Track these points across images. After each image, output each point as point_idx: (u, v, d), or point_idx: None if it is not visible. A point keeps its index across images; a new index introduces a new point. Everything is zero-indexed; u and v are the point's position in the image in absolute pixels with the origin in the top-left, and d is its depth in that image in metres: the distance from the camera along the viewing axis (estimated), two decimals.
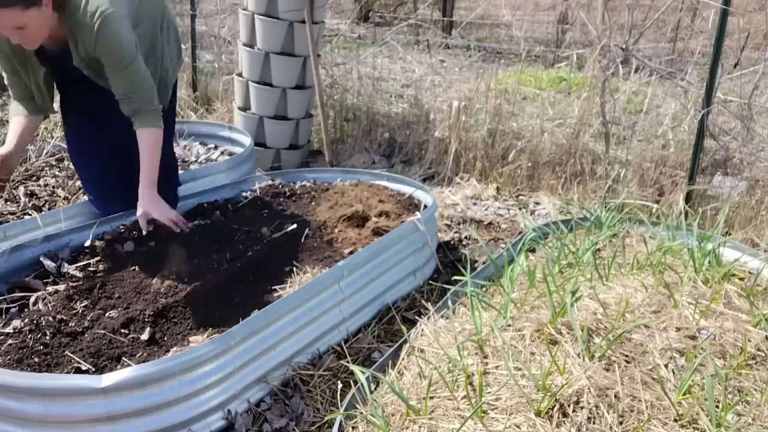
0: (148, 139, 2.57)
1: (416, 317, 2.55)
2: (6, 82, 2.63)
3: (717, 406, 1.82)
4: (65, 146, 4.05)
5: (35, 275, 2.54)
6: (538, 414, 1.80)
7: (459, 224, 3.68)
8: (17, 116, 2.65)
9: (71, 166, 3.91)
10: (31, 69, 2.58)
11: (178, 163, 3.95)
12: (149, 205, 2.58)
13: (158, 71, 2.78)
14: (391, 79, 6.09)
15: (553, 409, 1.81)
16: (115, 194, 2.87)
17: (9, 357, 2.10)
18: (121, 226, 2.84)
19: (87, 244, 2.72)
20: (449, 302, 2.50)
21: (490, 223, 3.72)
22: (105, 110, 2.69)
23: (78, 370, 2.07)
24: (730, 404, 1.83)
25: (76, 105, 2.78)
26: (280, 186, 3.40)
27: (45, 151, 4.09)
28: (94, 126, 2.78)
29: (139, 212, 2.59)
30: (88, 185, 2.98)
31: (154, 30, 2.74)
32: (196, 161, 4.20)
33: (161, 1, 2.81)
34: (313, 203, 3.25)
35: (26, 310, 2.40)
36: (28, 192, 3.69)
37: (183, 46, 5.47)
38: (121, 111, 2.59)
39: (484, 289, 2.65)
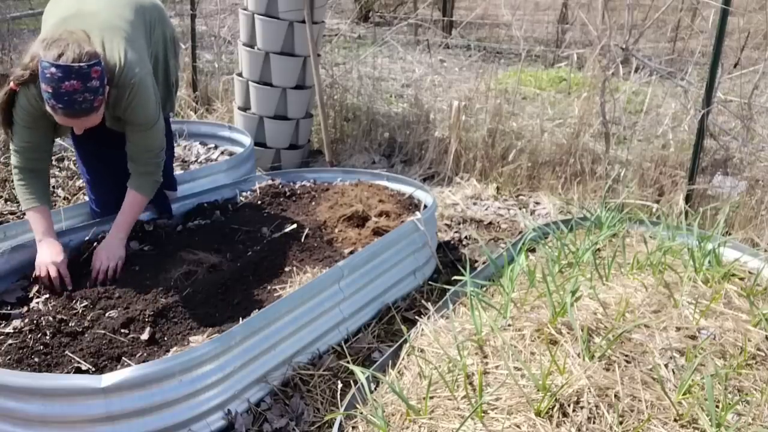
0: (137, 202, 2.68)
1: (416, 317, 2.55)
2: (16, 146, 2.52)
3: (717, 406, 1.82)
4: (66, 146, 4.06)
5: (35, 276, 2.54)
6: (538, 414, 1.80)
7: (459, 224, 3.68)
8: (37, 208, 2.55)
9: (71, 166, 3.92)
10: (51, 132, 2.56)
11: (178, 163, 3.97)
12: (103, 253, 2.59)
13: (168, 84, 2.90)
14: (391, 79, 6.09)
15: (553, 409, 1.81)
16: (120, 198, 2.90)
17: (9, 357, 2.10)
18: None
19: (86, 240, 2.72)
20: (449, 302, 2.50)
21: (490, 223, 3.72)
22: (115, 134, 2.71)
23: (78, 370, 2.07)
24: (730, 404, 1.83)
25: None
26: (280, 186, 3.40)
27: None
28: (111, 136, 2.78)
29: (96, 251, 2.59)
30: (93, 187, 2.98)
31: (165, 49, 2.85)
32: (196, 161, 4.21)
33: (166, 18, 2.89)
34: (313, 203, 3.25)
35: (27, 309, 2.41)
36: None
37: (183, 46, 5.49)
38: (129, 166, 2.67)
39: (484, 289, 2.65)
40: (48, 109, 2.29)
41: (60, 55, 2.20)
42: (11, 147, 2.54)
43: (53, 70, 2.19)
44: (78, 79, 2.20)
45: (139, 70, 2.49)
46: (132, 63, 2.46)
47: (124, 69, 2.44)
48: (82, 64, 2.21)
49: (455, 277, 2.62)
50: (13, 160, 2.56)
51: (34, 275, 2.49)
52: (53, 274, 2.45)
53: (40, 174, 2.60)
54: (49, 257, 2.47)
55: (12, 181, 3.76)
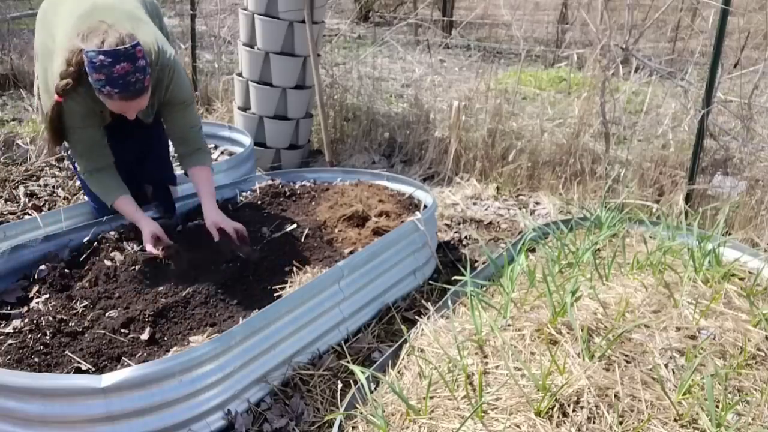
0: (209, 174, 2.81)
1: (416, 317, 2.54)
2: (80, 152, 2.63)
3: (717, 406, 1.82)
4: (66, 145, 4.06)
5: (35, 275, 2.54)
6: (538, 414, 1.80)
7: (459, 224, 3.68)
8: (125, 196, 2.70)
9: (71, 166, 3.92)
10: (102, 127, 2.65)
11: (178, 164, 3.95)
12: (218, 217, 2.73)
13: None
14: (391, 79, 6.09)
15: (553, 409, 1.81)
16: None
17: (9, 357, 2.10)
18: (121, 227, 2.84)
19: (86, 240, 2.72)
20: (449, 302, 2.50)
21: (490, 223, 3.72)
22: (130, 129, 2.77)
23: (78, 370, 2.07)
24: (730, 404, 1.83)
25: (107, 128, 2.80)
26: (280, 186, 3.40)
27: (45, 151, 4.09)
28: (119, 140, 2.81)
29: (209, 223, 2.71)
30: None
31: None
32: None
33: (161, 14, 2.95)
34: (313, 203, 3.24)
35: (27, 309, 2.41)
36: (28, 192, 3.69)
37: (183, 46, 5.51)
38: (175, 149, 2.79)
39: (484, 289, 2.65)
40: (102, 97, 2.35)
41: (102, 42, 2.25)
42: (73, 155, 2.66)
43: (101, 57, 2.24)
44: (127, 60, 2.27)
45: (171, 52, 2.58)
46: (164, 46, 2.55)
47: (159, 53, 2.51)
48: (126, 45, 2.27)
49: (455, 277, 2.62)
50: (80, 166, 2.67)
51: (147, 248, 2.59)
52: (159, 248, 2.61)
53: (108, 170, 2.69)
54: (154, 228, 2.63)
55: (12, 180, 3.78)
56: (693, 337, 2.17)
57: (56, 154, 2.64)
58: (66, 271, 2.59)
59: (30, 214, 3.37)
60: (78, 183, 3.81)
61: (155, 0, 2.93)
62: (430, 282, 2.97)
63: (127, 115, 2.48)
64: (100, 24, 2.35)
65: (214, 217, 2.70)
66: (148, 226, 2.65)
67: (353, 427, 1.90)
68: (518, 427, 1.78)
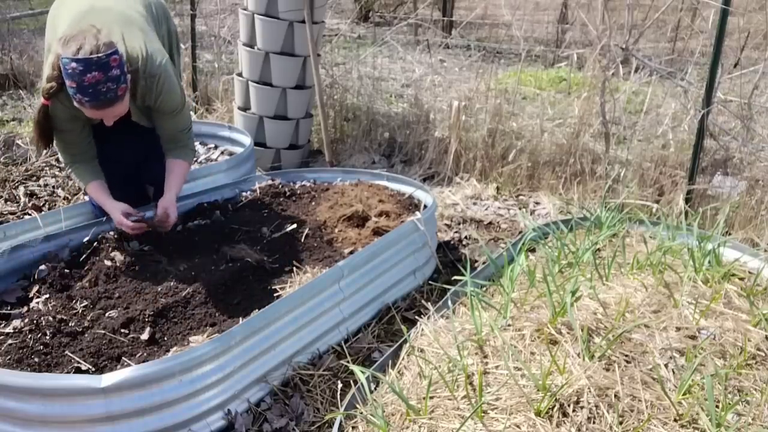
0: (184, 168, 2.85)
1: (416, 317, 2.54)
2: (61, 148, 2.72)
3: (717, 406, 1.82)
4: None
5: (35, 275, 2.54)
6: (538, 414, 1.80)
7: (459, 224, 3.68)
8: (95, 182, 2.75)
9: None
10: (86, 127, 2.70)
11: None
12: (171, 206, 2.75)
13: None
14: (391, 79, 6.09)
15: (553, 408, 1.81)
16: (121, 197, 2.92)
17: (9, 357, 2.10)
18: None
19: (86, 240, 2.73)
20: (449, 302, 2.50)
21: (490, 223, 3.72)
22: (130, 130, 2.79)
23: (78, 370, 2.07)
24: (730, 404, 1.83)
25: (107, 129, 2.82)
26: (280, 186, 3.40)
27: (45, 151, 4.09)
28: (120, 140, 2.84)
29: (161, 205, 2.73)
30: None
31: (170, 45, 2.92)
32: (196, 161, 4.20)
33: (169, 14, 2.96)
34: (313, 203, 3.25)
35: (27, 309, 2.41)
36: (28, 192, 3.70)
37: (183, 46, 5.51)
38: (162, 145, 2.81)
39: (484, 289, 2.65)
40: (75, 104, 2.36)
41: (78, 50, 2.27)
42: (57, 149, 2.74)
43: (74, 65, 2.25)
44: (98, 69, 2.27)
45: (161, 60, 2.57)
46: (154, 54, 2.54)
47: (147, 61, 2.51)
48: (100, 54, 2.27)
49: (455, 277, 2.61)
50: (62, 158, 2.77)
51: (124, 225, 2.65)
52: (131, 222, 2.64)
53: (87, 160, 2.76)
54: (120, 209, 2.65)
55: (12, 180, 3.78)
56: (693, 337, 2.17)
57: (45, 148, 2.73)
58: (66, 271, 2.59)
59: (30, 214, 3.37)
60: (78, 183, 3.81)
61: (163, 1, 2.93)
62: (430, 282, 2.97)
63: (105, 122, 2.49)
64: (88, 28, 2.35)
65: (166, 203, 2.71)
66: (117, 206, 2.68)
67: (353, 427, 1.90)
68: (518, 427, 1.78)
